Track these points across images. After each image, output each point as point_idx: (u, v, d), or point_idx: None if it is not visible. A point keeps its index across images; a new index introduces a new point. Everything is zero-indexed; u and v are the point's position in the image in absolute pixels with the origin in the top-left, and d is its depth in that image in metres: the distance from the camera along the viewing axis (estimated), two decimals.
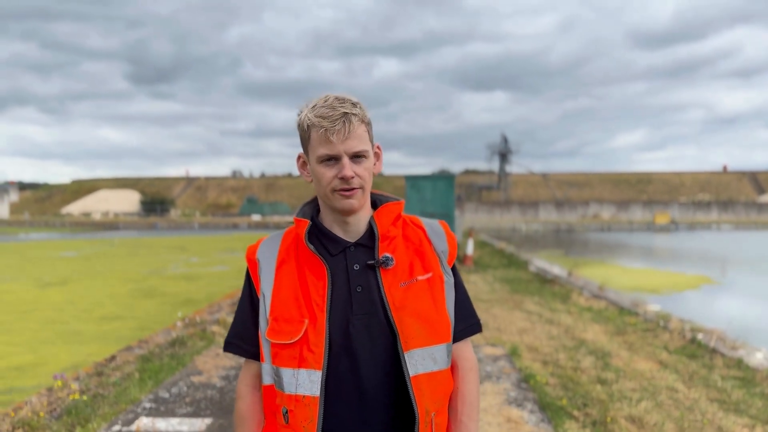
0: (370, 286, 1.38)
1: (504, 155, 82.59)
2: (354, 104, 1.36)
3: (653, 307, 9.30)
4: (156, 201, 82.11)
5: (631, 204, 72.51)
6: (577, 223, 57.20)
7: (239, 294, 10.73)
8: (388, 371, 1.35)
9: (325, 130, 1.32)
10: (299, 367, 1.34)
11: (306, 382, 1.33)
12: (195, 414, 4.28)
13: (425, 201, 18.28)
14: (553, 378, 5.27)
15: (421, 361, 1.35)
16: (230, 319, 7.95)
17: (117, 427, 4.00)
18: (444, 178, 20.12)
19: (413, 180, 18.77)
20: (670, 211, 67.31)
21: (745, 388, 5.10)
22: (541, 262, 17.73)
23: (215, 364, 5.63)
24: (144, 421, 4.09)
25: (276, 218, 63.25)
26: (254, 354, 1.46)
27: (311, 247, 1.40)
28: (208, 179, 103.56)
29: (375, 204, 1.48)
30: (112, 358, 5.85)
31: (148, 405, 4.47)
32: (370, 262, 1.39)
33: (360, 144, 1.35)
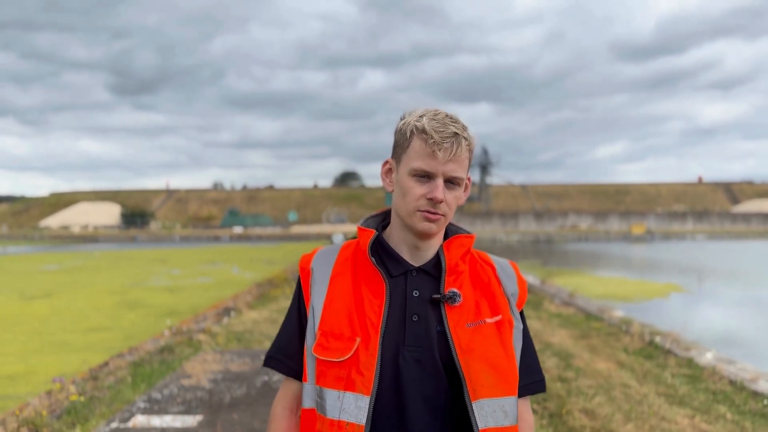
0: (429, 319, 1.27)
1: (484, 167, 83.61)
2: (464, 127, 1.28)
3: (618, 313, 9.82)
4: (136, 213, 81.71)
5: (608, 215, 73.81)
6: (556, 234, 58.15)
7: (224, 305, 11.08)
8: (443, 419, 1.25)
9: (434, 143, 1.23)
10: (345, 390, 1.23)
11: (351, 408, 1.22)
12: (187, 412, 4.65)
13: None
14: None
15: (491, 413, 1.23)
16: (216, 329, 8.28)
17: (115, 425, 4.35)
18: None
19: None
20: (646, 221, 68.66)
21: (692, 384, 5.59)
22: None
23: (203, 368, 5.98)
24: (140, 419, 4.45)
25: (258, 230, 63.32)
26: (296, 372, 1.36)
27: (374, 260, 1.31)
28: (188, 191, 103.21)
29: (446, 233, 1.39)
30: (105, 364, 6.18)
31: (142, 405, 4.82)
32: (435, 296, 1.28)
33: (459, 170, 1.26)
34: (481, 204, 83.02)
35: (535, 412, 4.70)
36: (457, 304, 1.28)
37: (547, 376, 5.74)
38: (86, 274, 20.52)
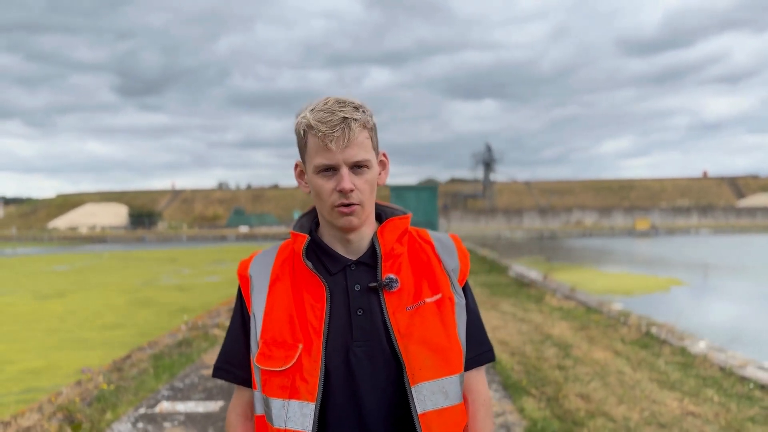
0: (373, 309, 1.25)
1: (488, 164, 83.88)
2: (356, 108, 1.23)
3: (617, 305, 10.12)
4: (143, 214, 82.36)
5: (612, 210, 73.98)
6: (560, 230, 58.36)
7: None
8: (394, 406, 1.23)
9: (323, 136, 1.20)
10: (290, 398, 1.21)
11: (297, 416, 1.20)
12: (208, 398, 5.00)
13: (409, 210, 19.28)
14: (518, 366, 6.02)
15: (430, 396, 1.22)
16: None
17: (143, 410, 4.70)
18: (427, 188, 21.04)
19: (397, 190, 19.67)
20: (650, 216, 68.78)
21: (684, 371, 5.88)
22: (520, 267, 18.55)
23: None
24: (165, 405, 4.79)
25: (264, 229, 63.79)
26: (245, 380, 1.33)
27: (309, 264, 1.28)
28: (194, 191, 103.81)
29: (380, 217, 1.36)
30: (128, 356, 6.53)
31: (166, 393, 5.17)
32: (372, 284, 1.26)
33: (360, 152, 1.22)
34: (485, 201, 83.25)
35: (533, 396, 5.01)
36: (395, 289, 1.26)
37: (545, 365, 6.05)
38: (97, 274, 20.92)
